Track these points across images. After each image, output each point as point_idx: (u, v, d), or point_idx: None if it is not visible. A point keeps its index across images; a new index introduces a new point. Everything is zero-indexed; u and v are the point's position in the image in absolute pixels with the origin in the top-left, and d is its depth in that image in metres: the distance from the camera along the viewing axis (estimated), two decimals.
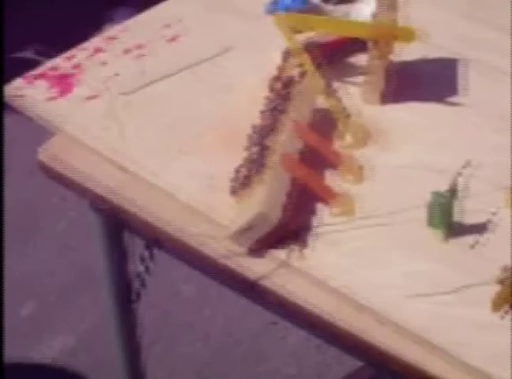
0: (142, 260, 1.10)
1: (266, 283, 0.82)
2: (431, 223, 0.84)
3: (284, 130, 0.90)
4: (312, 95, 0.96)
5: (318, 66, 0.96)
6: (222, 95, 1.04)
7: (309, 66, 0.96)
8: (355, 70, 1.06)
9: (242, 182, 0.86)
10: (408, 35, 0.94)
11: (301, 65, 0.97)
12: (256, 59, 1.09)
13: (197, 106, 1.02)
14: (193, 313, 1.77)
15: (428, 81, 1.05)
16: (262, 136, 0.90)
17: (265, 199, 0.82)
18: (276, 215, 0.82)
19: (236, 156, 0.91)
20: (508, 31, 1.10)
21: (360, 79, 1.04)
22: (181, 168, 0.94)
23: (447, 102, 1.01)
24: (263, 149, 0.88)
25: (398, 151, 0.95)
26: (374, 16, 0.97)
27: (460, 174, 0.80)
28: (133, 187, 0.92)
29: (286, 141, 0.89)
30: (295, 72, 0.98)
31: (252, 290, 0.83)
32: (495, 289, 0.78)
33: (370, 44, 0.97)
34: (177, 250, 0.90)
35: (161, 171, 0.93)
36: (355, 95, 1.02)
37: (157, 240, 0.92)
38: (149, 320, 1.48)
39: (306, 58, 0.96)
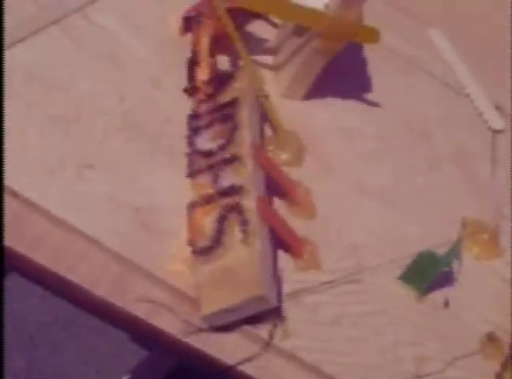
0: None
1: (246, 368, 0.66)
2: (409, 280, 0.74)
3: (244, 157, 0.70)
4: (254, 97, 0.76)
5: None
6: (111, 68, 0.79)
7: (241, 48, 0.75)
8: (260, 45, 0.87)
9: (215, 240, 0.65)
10: (371, 36, 0.78)
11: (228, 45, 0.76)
12: (137, 16, 0.84)
13: (87, 86, 0.76)
14: None
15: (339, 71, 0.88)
16: (219, 166, 0.69)
17: (260, 274, 0.62)
18: (273, 294, 0.64)
19: (164, 175, 0.71)
20: None
21: (267, 59, 0.86)
22: (89, 191, 0.70)
23: (368, 100, 0.88)
24: (232, 190, 0.67)
25: (341, 171, 0.80)
26: (328, 7, 0.77)
27: (462, 235, 0.70)
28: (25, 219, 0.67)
29: (253, 176, 0.69)
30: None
31: (225, 374, 0.67)
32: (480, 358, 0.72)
33: (314, 37, 0.79)
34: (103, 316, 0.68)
35: (63, 196, 0.69)
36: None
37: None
38: None
39: (235, 34, 0.75)
